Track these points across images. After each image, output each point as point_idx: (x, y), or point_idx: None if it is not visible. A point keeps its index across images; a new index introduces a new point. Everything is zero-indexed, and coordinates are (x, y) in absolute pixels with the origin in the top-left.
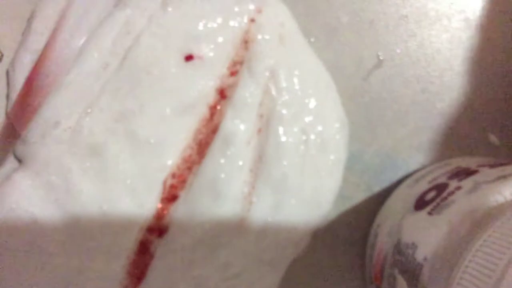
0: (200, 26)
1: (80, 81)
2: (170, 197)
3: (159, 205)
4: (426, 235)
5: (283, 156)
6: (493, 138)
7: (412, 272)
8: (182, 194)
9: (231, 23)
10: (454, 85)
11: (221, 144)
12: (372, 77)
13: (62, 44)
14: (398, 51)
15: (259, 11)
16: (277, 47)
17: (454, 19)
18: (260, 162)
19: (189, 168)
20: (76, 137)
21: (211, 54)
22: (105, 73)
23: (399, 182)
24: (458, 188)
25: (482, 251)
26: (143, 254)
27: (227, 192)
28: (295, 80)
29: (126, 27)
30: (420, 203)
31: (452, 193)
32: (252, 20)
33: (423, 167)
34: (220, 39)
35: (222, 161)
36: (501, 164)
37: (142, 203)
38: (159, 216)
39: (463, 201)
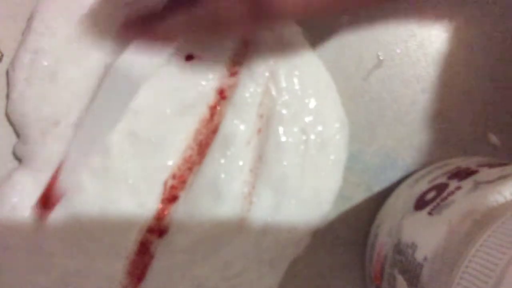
0: None
1: (80, 79)
2: (170, 198)
3: (160, 206)
4: (426, 235)
5: (283, 156)
6: (493, 138)
7: (412, 272)
8: (182, 195)
9: None
10: (454, 85)
11: (221, 144)
12: (372, 77)
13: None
14: (398, 51)
15: None
16: (278, 47)
17: (454, 19)
18: (260, 162)
19: (190, 169)
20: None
21: (211, 55)
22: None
23: (399, 182)
24: (458, 188)
25: (482, 251)
26: (143, 254)
27: (227, 192)
28: (295, 80)
29: None
30: (420, 203)
31: (452, 193)
32: None
33: (423, 167)
34: (218, 43)
35: (222, 161)
36: (501, 164)
37: (142, 203)
38: (159, 216)
39: (463, 201)
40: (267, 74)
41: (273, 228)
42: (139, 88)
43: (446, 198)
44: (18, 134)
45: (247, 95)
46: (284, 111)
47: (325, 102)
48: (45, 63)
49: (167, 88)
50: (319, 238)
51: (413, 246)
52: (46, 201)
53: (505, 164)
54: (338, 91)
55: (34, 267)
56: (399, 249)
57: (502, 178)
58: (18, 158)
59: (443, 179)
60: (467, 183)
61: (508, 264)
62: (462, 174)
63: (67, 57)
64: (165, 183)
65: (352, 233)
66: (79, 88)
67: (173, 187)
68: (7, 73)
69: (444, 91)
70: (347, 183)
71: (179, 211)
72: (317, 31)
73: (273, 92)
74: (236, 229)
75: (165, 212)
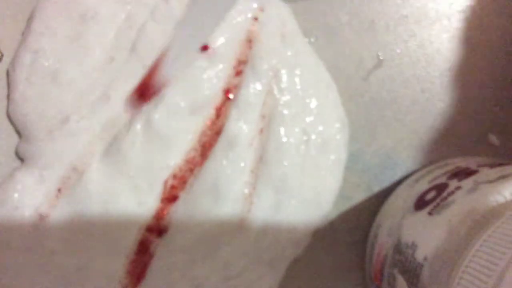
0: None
1: (84, 77)
2: (170, 198)
3: (159, 205)
4: (426, 235)
5: (284, 156)
6: (493, 138)
7: (412, 272)
8: (182, 195)
9: (236, 19)
10: (454, 85)
11: (224, 146)
12: (372, 77)
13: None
14: (398, 51)
15: (261, 9)
16: (279, 46)
17: (454, 19)
18: (261, 163)
19: (191, 170)
20: (93, 125)
21: (222, 50)
22: (112, 67)
23: (399, 182)
24: (458, 188)
25: (482, 251)
26: (143, 253)
27: (228, 193)
28: (297, 80)
29: (127, 22)
30: (420, 203)
31: (452, 193)
32: (255, 19)
33: (423, 167)
34: (227, 35)
35: (225, 162)
36: (501, 164)
37: (142, 201)
38: (159, 216)
39: (463, 201)
40: (270, 73)
41: (273, 228)
42: None
43: (446, 198)
44: (20, 134)
45: (251, 95)
46: (285, 111)
47: (326, 102)
48: (46, 63)
49: (188, 85)
50: (319, 238)
51: (413, 246)
52: (143, 92)
53: (505, 164)
54: (338, 91)
55: (35, 266)
56: (399, 249)
57: (502, 178)
58: (21, 157)
59: (443, 179)
60: (467, 183)
61: (508, 264)
62: (462, 174)
63: (68, 57)
64: (166, 182)
65: (352, 233)
66: (82, 86)
67: (173, 187)
68: (7, 73)
69: (444, 91)
70: (347, 183)
71: (179, 211)
72: (317, 31)
73: (275, 92)
74: (236, 229)
75: (165, 212)
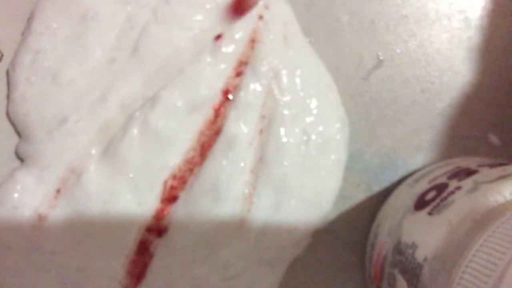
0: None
1: (84, 77)
2: (170, 198)
3: (159, 206)
4: (426, 235)
5: (284, 157)
6: (493, 138)
7: (412, 272)
8: (182, 195)
9: (245, 16)
10: (454, 85)
11: (224, 146)
12: (372, 77)
13: None
14: (398, 51)
15: (266, 7)
16: (281, 47)
17: (454, 19)
18: (261, 163)
19: (191, 170)
20: (91, 126)
21: (229, 49)
22: (113, 67)
23: (399, 182)
24: (458, 188)
25: (482, 251)
26: (143, 253)
27: (228, 193)
28: (297, 80)
29: (129, 23)
30: (420, 203)
31: (452, 193)
32: (261, 17)
33: (423, 167)
34: (240, 34)
35: (224, 162)
36: (501, 164)
37: (142, 201)
38: (159, 216)
39: (463, 201)
40: (271, 74)
41: (273, 228)
42: None
43: (446, 198)
44: (19, 134)
45: (250, 96)
46: (286, 112)
47: (326, 102)
48: (46, 63)
49: (186, 85)
50: (319, 238)
51: (413, 246)
52: (238, 6)
53: (505, 164)
54: (338, 91)
55: (34, 266)
56: (399, 249)
57: (502, 178)
58: (21, 157)
59: (443, 179)
60: (467, 183)
61: (508, 264)
62: (462, 174)
63: (68, 57)
64: (165, 183)
65: (352, 233)
66: (82, 86)
67: (173, 187)
68: (7, 73)
69: (444, 91)
70: (347, 183)
71: (178, 212)
72: (317, 31)
73: (276, 93)
74: (236, 229)
75: (165, 212)
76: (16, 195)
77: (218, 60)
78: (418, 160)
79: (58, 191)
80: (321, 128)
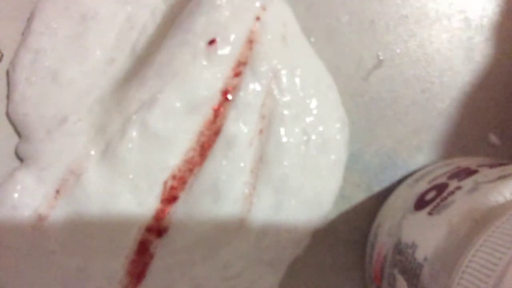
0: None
1: (84, 77)
2: (170, 198)
3: (159, 206)
4: (426, 235)
5: (284, 157)
6: (493, 138)
7: (412, 272)
8: (182, 195)
9: (241, 18)
10: (454, 85)
11: (223, 146)
12: (372, 77)
13: None
14: (398, 51)
15: (264, 9)
16: (280, 47)
17: (454, 19)
18: (261, 163)
19: (190, 170)
20: (90, 127)
21: (225, 51)
22: (112, 68)
23: (399, 182)
24: (458, 188)
25: (482, 251)
26: (143, 253)
27: (228, 193)
28: (297, 80)
29: (129, 23)
30: (420, 203)
31: (452, 193)
32: (258, 18)
33: (423, 167)
34: (234, 36)
35: (224, 163)
36: (501, 164)
37: (142, 202)
38: (159, 216)
39: (463, 201)
40: (270, 74)
41: (273, 228)
42: None
43: (446, 198)
44: (19, 134)
45: (250, 96)
46: (285, 112)
47: (326, 102)
48: (46, 63)
49: (184, 85)
50: (319, 238)
51: (413, 246)
52: None
53: (505, 164)
54: (338, 91)
55: (34, 266)
56: (399, 249)
57: (502, 178)
58: (20, 157)
59: (443, 179)
60: (467, 183)
61: (508, 264)
62: (462, 174)
63: (68, 57)
64: (165, 183)
65: (352, 233)
66: (84, 84)
67: (172, 188)
68: (7, 73)
69: (444, 91)
70: (347, 183)
71: (178, 212)
72: (317, 31)
73: (275, 93)
74: (236, 229)
75: (165, 212)
76: (16, 195)
77: (214, 63)
78: (418, 160)
79: (58, 191)
80: (321, 128)
